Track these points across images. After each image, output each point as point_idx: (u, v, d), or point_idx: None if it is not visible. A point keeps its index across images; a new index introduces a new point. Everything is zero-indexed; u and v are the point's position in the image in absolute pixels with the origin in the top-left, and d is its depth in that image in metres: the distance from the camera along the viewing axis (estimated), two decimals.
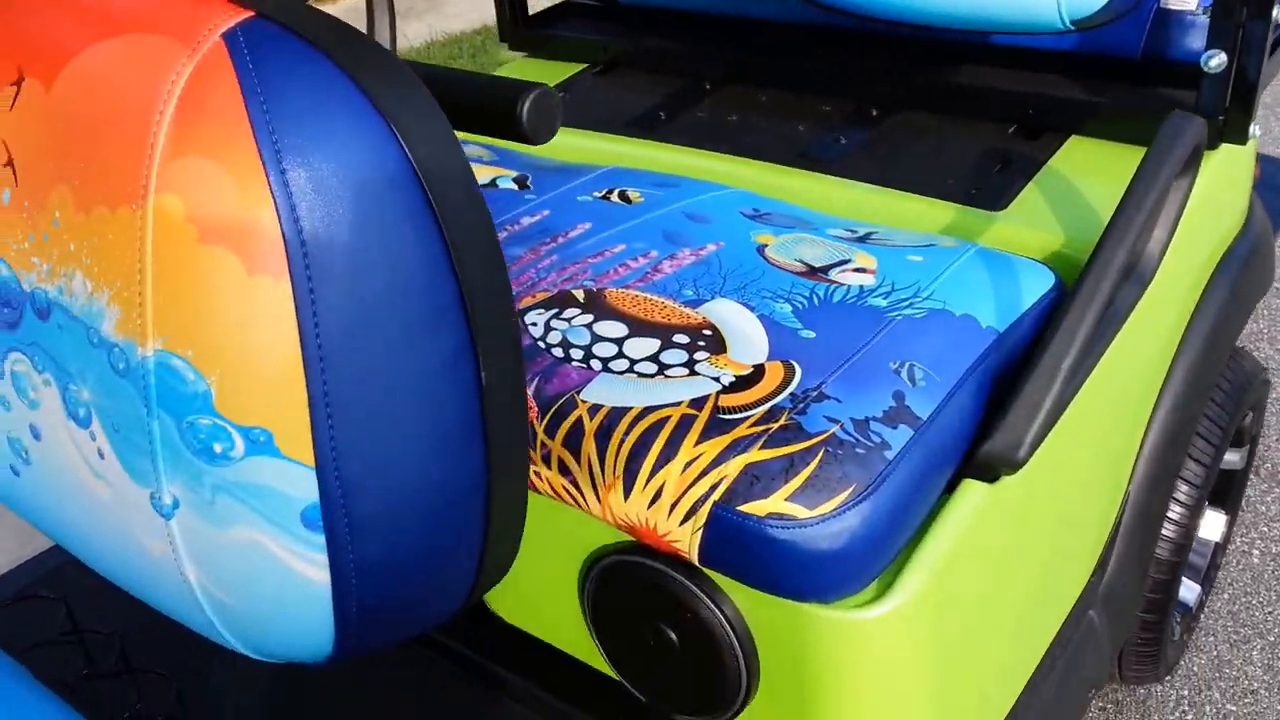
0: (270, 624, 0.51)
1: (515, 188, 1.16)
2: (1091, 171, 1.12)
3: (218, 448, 0.46)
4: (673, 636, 0.86)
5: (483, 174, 1.20)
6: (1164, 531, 1.23)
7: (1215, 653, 1.52)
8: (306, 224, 0.44)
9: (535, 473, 0.86)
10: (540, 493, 0.88)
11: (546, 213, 1.09)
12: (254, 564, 0.48)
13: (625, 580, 0.87)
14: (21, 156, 0.50)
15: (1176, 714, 1.45)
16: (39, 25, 0.52)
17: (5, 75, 0.51)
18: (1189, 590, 1.48)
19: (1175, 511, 1.23)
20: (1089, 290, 0.85)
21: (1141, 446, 1.15)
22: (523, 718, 1.04)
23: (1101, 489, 1.10)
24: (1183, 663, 1.52)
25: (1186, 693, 1.47)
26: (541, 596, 0.99)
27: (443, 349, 0.47)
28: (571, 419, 0.83)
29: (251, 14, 0.47)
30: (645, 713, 1.01)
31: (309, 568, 0.48)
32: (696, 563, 0.80)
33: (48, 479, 0.54)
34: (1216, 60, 1.05)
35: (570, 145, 1.34)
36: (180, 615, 0.53)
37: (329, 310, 0.44)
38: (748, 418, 0.79)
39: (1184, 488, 1.23)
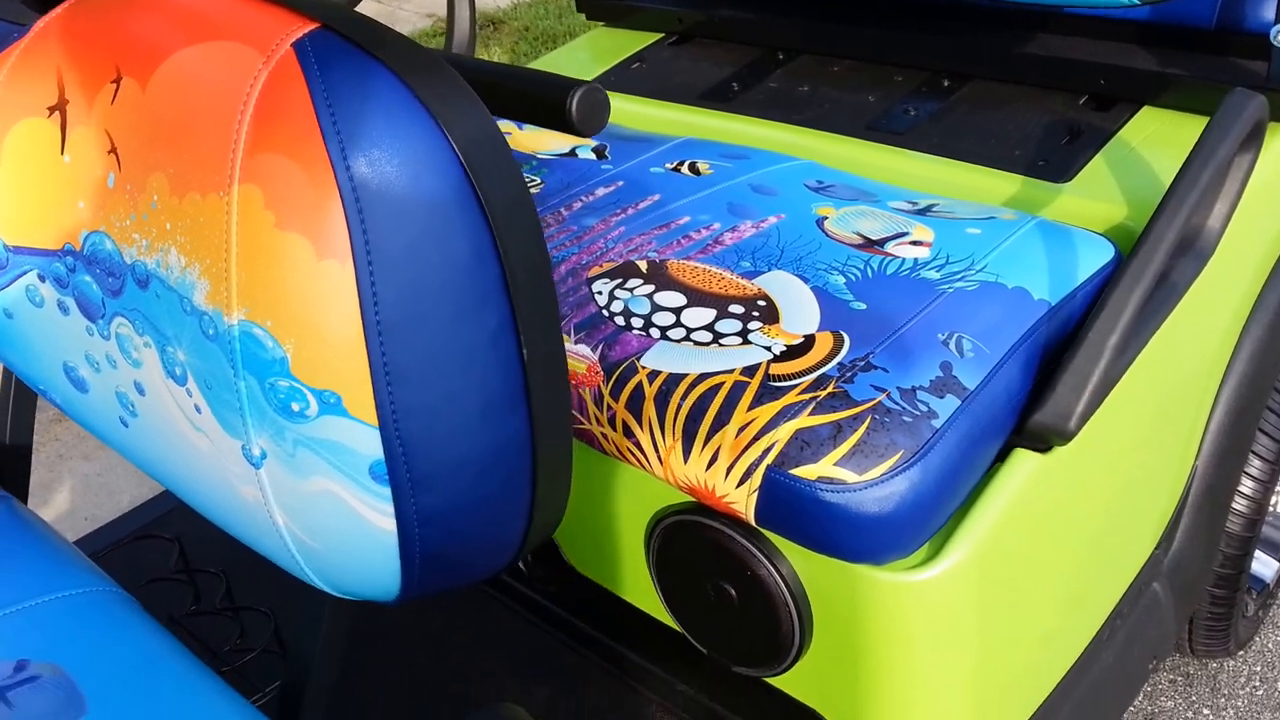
0: (346, 565, 0.57)
1: (594, 157, 1.20)
2: (1161, 143, 1.12)
3: (295, 406, 0.52)
4: (731, 593, 0.91)
5: (564, 142, 1.25)
6: (1235, 506, 1.23)
7: None
8: (368, 214, 0.50)
9: (602, 434, 0.91)
10: (608, 454, 0.92)
11: (620, 184, 1.13)
12: (331, 511, 0.54)
13: (687, 539, 0.91)
14: (123, 145, 0.57)
15: (1247, 689, 1.44)
16: (135, 31, 0.59)
17: (106, 74, 0.58)
18: (1266, 567, 1.46)
19: (1246, 486, 1.22)
20: (1140, 263, 0.86)
21: (1209, 420, 1.15)
22: (591, 663, 1.10)
23: (1166, 462, 1.11)
24: (1256, 640, 1.51)
25: (1259, 669, 1.47)
26: (611, 552, 1.04)
27: (488, 325, 0.52)
28: (632, 384, 0.88)
29: (318, 25, 0.53)
30: (705, 663, 1.06)
31: (378, 516, 0.54)
32: (753, 523, 0.84)
33: (153, 430, 0.61)
34: None
35: (646, 115, 1.38)
36: (271, 554, 0.60)
37: (387, 290, 0.50)
38: (796, 385, 0.83)
39: (1255, 462, 1.22)
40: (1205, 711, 1.42)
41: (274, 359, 0.51)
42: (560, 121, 0.56)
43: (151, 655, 0.69)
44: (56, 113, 0.61)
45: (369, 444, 0.52)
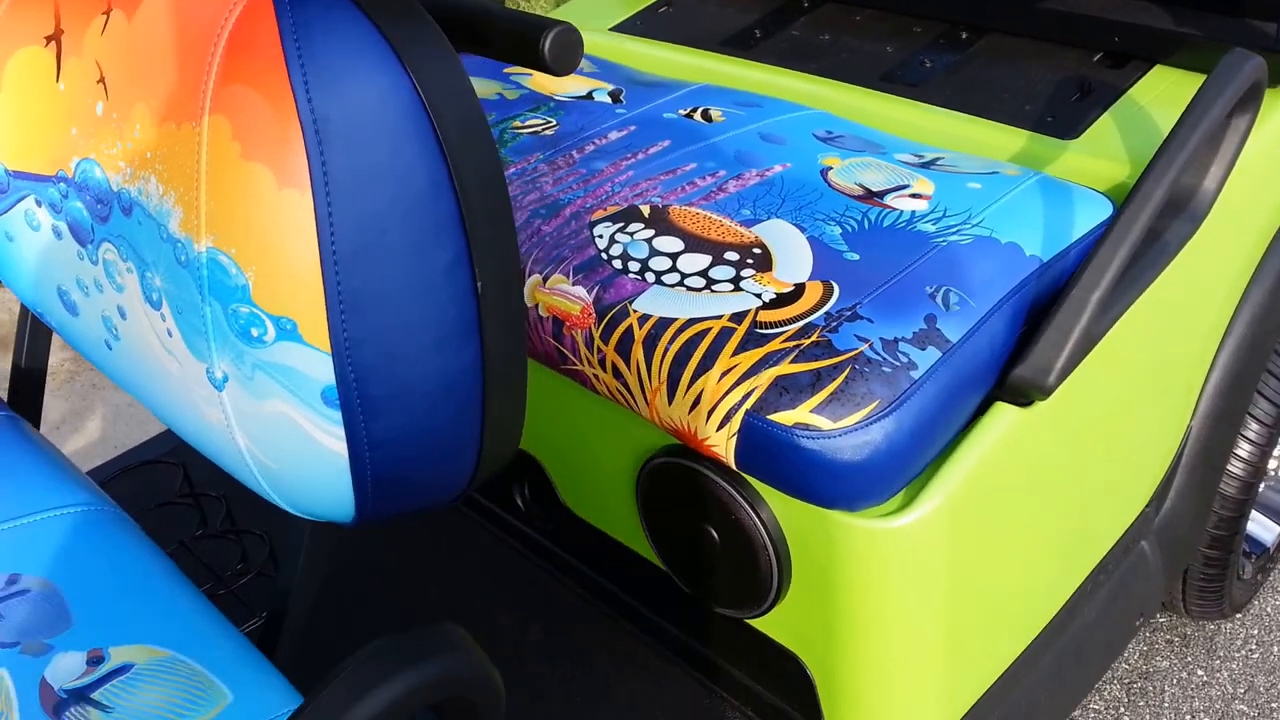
0: (301, 485, 0.60)
1: (609, 101, 1.21)
2: (1170, 103, 1.11)
3: (254, 332, 0.54)
4: (714, 535, 0.93)
5: (583, 85, 1.25)
6: (1230, 468, 1.23)
7: None
8: (327, 146, 0.52)
9: (594, 376, 0.93)
10: (599, 394, 0.94)
11: (633, 128, 1.14)
12: (286, 433, 0.57)
13: (672, 480, 0.93)
14: (111, 75, 0.59)
15: (1243, 652, 1.45)
16: None
17: (98, 5, 0.60)
18: (1267, 531, 1.46)
19: (1243, 449, 1.22)
20: (1126, 221, 0.86)
21: (1205, 383, 1.15)
22: (582, 601, 1.13)
23: (1159, 422, 1.11)
24: (1255, 603, 1.51)
25: (1256, 632, 1.47)
26: (604, 493, 1.06)
27: (443, 258, 0.54)
28: (623, 327, 0.90)
29: None
30: (690, 604, 1.09)
31: (330, 439, 0.57)
32: (734, 467, 0.86)
33: (132, 353, 0.64)
34: None
35: (667, 60, 1.38)
36: (237, 474, 0.63)
37: (344, 219, 0.52)
38: (782, 333, 0.84)
39: (1253, 425, 1.22)
40: (1200, 673, 1.44)
41: (237, 285, 0.54)
42: (534, 60, 0.57)
43: (142, 574, 0.72)
44: (53, 42, 0.63)
45: (322, 369, 0.55)
